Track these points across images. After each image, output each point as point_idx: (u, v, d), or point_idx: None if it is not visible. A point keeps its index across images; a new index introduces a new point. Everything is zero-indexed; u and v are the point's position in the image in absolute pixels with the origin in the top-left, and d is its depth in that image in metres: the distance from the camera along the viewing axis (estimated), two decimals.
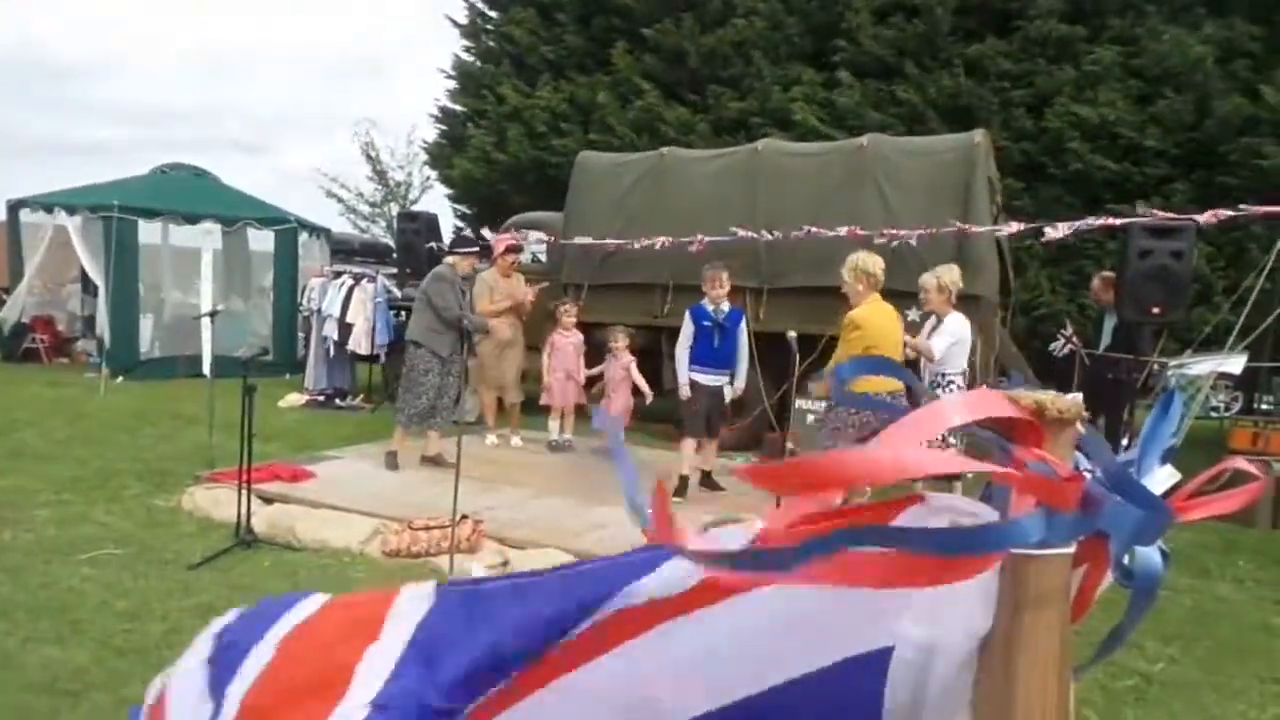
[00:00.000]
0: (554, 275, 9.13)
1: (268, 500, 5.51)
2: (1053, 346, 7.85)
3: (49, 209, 11.72)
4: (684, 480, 6.14)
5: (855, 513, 0.88)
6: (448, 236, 10.27)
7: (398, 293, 10.34)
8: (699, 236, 7.95)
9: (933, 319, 5.94)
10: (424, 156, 22.50)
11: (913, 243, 7.06)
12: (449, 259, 6.78)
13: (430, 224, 9.47)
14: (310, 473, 6.13)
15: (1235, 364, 9.73)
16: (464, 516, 4.82)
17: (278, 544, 4.93)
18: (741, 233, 7.81)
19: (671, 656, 1.04)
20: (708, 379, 6.23)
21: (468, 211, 20.80)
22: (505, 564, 4.64)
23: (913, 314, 7.21)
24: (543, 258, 9.58)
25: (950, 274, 5.77)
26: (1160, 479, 1.01)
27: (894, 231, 7.11)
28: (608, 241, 8.59)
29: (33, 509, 5.34)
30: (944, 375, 5.64)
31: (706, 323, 6.23)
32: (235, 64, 56.75)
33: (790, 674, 1.00)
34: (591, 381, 7.72)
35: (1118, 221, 6.74)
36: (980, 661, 0.92)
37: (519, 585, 1.18)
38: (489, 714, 1.11)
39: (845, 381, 1.37)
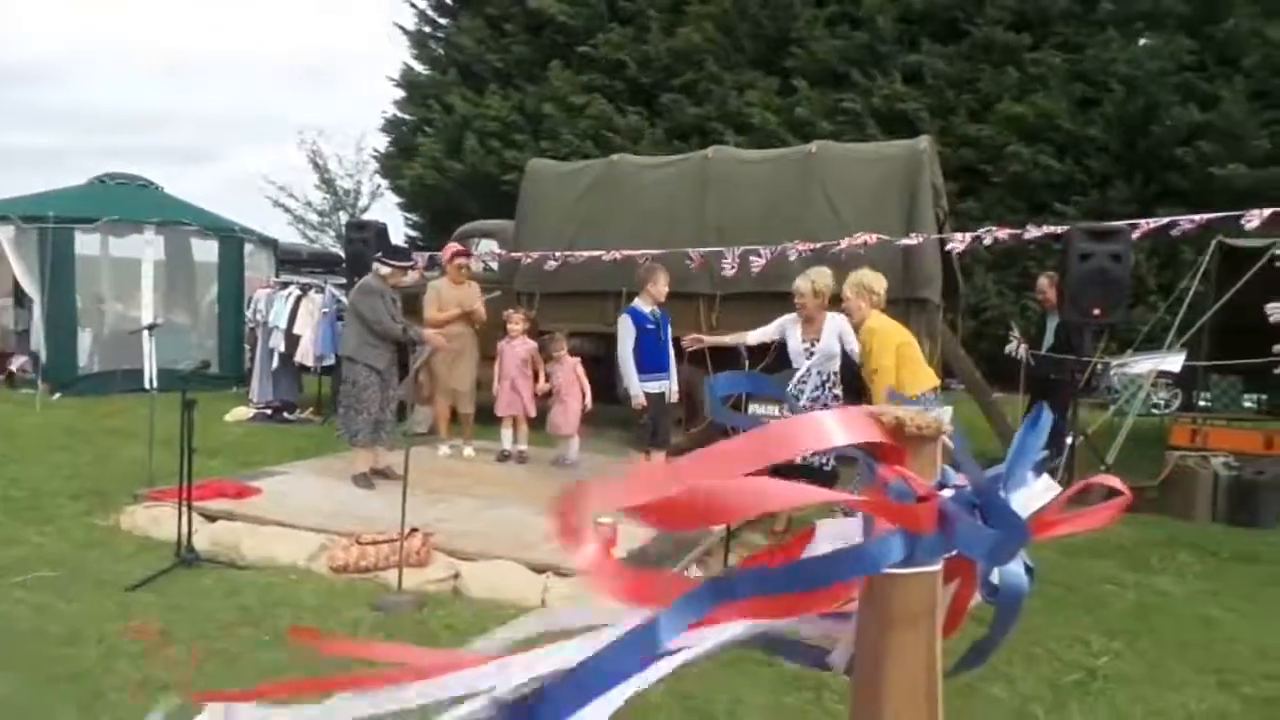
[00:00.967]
0: (506, 284, 9.07)
1: (211, 518, 5.36)
2: (1008, 349, 8.02)
3: None
4: None
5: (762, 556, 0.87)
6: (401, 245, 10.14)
7: (346, 304, 10.17)
8: (645, 253, 7.95)
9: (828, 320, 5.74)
10: (374, 165, 22.27)
11: (861, 251, 7.15)
12: (381, 270, 6.60)
13: (380, 233, 9.34)
14: (256, 489, 5.99)
15: (1174, 362, 10.02)
16: (413, 530, 4.74)
17: (221, 562, 4.80)
18: (694, 252, 7.86)
19: None
20: (654, 385, 6.04)
21: (419, 220, 20.63)
22: (456, 576, 4.57)
23: None
24: (495, 266, 9.51)
25: (823, 278, 5.72)
26: (1036, 491, 1.00)
27: (843, 244, 7.19)
28: (556, 254, 8.57)
29: None
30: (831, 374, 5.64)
31: (649, 325, 6.04)
32: (180, 71, 55.66)
33: None
34: (548, 394, 7.64)
35: (1059, 229, 6.88)
36: (851, 682, 0.90)
37: None
38: None
39: (720, 396, 1.29)
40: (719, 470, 0.75)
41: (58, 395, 10.47)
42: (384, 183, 22.21)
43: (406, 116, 20.31)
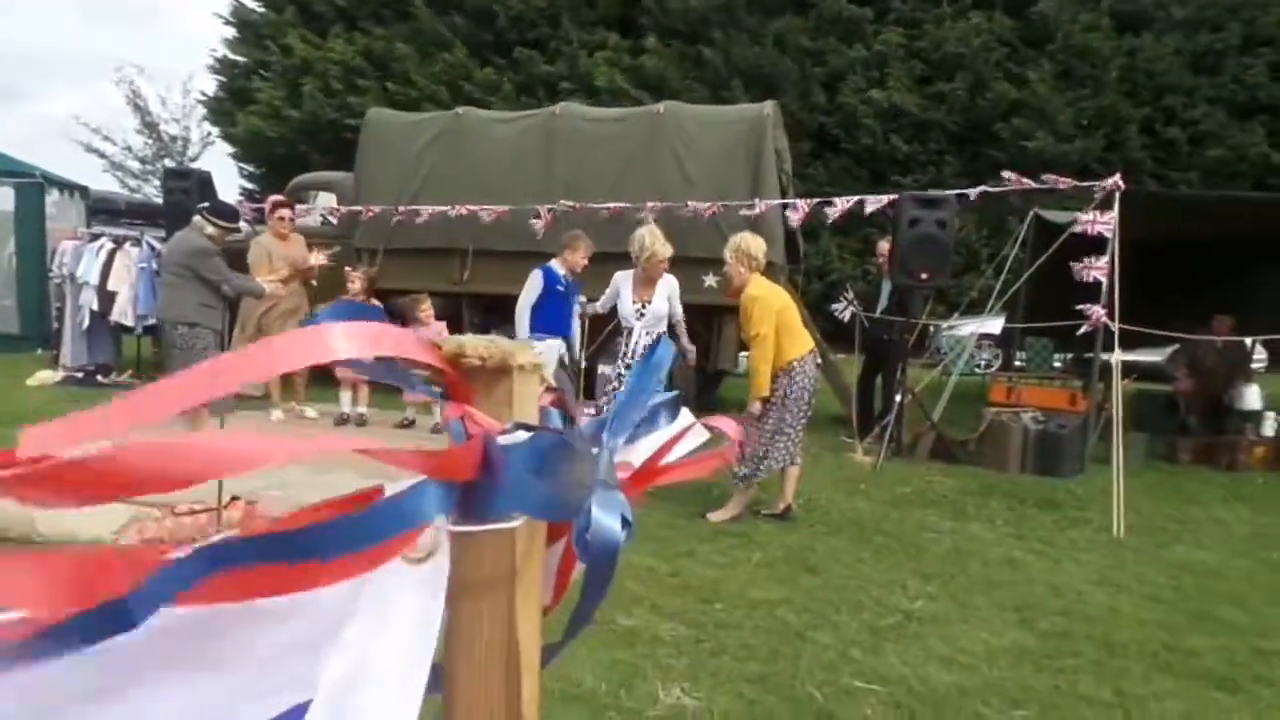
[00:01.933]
0: (346, 240, 8.63)
1: None
2: (835, 308, 8.32)
3: None
4: None
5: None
6: (235, 198, 9.42)
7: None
8: (490, 209, 7.79)
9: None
10: (202, 111, 20.63)
11: (706, 214, 7.23)
12: (208, 229, 6.09)
13: (203, 181, 8.66)
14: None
15: (994, 325, 10.79)
16: (234, 498, 4.45)
17: (11, 539, 4.35)
18: (542, 209, 7.73)
19: None
20: (544, 347, 5.81)
21: (256, 171, 19.34)
22: None
23: (709, 280, 7.41)
24: (334, 220, 9.03)
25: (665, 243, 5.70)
26: (653, 439, 0.94)
27: (689, 205, 7.24)
28: (398, 209, 8.23)
29: None
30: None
31: (559, 286, 5.90)
32: None
33: None
34: None
35: (885, 198, 7.16)
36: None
37: None
38: None
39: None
40: (161, 410, 0.56)
41: None
42: (215, 130, 20.65)
43: (239, 58, 18.89)
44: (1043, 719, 2.98)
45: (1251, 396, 7.87)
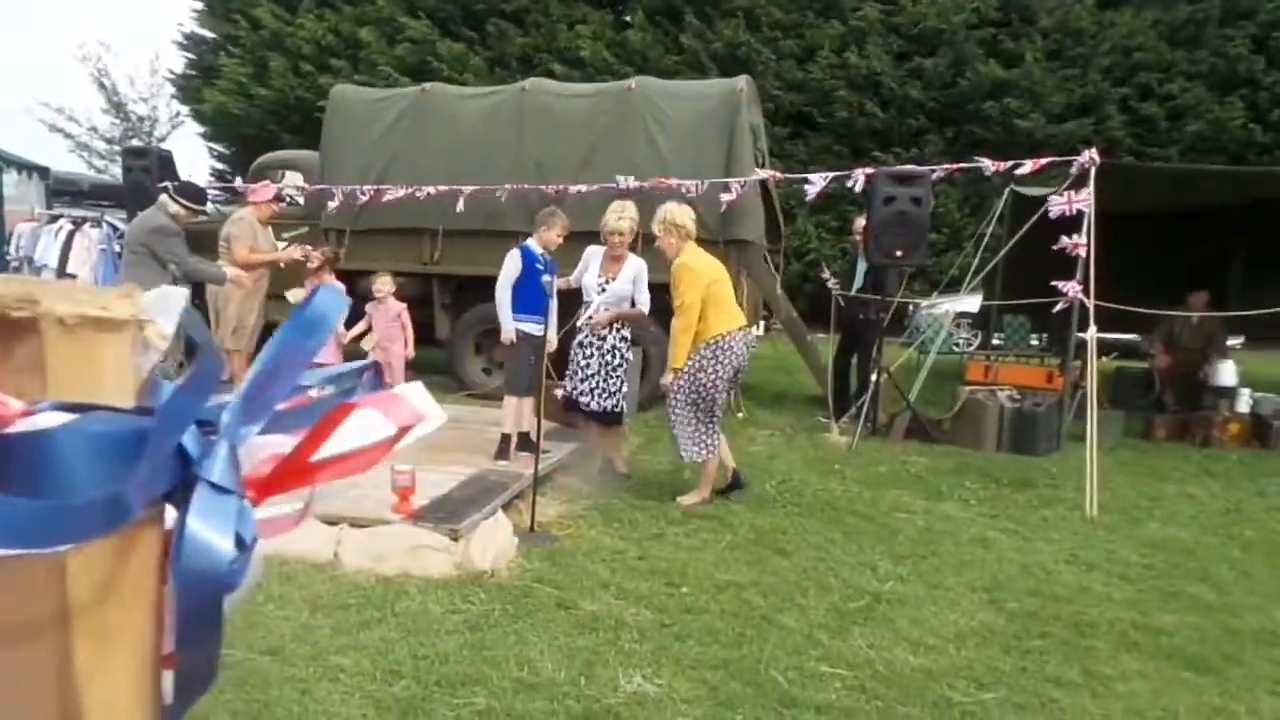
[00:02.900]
0: (312, 220, 8.44)
1: None
2: (824, 276, 8.38)
3: None
4: (506, 440, 5.59)
5: None
6: (204, 179, 9.20)
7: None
8: (459, 188, 7.65)
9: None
10: (170, 89, 20.21)
11: (683, 192, 7.09)
12: (171, 207, 5.91)
13: (163, 161, 8.43)
14: None
15: (971, 303, 10.74)
16: None
17: None
18: (511, 187, 7.59)
19: None
20: (528, 327, 5.63)
21: (225, 151, 18.98)
22: None
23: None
24: (301, 201, 8.83)
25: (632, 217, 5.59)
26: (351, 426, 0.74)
27: (663, 181, 7.11)
28: (365, 188, 8.06)
29: None
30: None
31: (538, 265, 5.63)
32: None
33: None
34: (357, 340, 7.11)
35: (860, 171, 7.01)
36: None
37: None
38: None
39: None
40: None
41: None
42: (184, 109, 20.24)
43: (207, 33, 18.48)
44: (1010, 700, 2.93)
45: (1227, 373, 7.86)
